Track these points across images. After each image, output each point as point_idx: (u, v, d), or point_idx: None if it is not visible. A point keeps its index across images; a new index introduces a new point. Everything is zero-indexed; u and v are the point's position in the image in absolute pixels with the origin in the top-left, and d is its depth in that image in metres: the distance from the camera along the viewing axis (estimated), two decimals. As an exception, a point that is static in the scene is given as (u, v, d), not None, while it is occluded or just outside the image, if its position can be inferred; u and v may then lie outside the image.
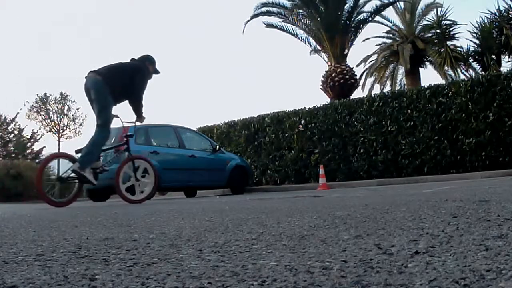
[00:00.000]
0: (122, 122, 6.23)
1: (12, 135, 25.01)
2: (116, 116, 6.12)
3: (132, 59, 6.22)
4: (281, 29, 17.71)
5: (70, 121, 19.40)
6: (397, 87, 22.46)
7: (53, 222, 3.02)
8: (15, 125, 25.02)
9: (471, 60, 17.39)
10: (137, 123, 6.31)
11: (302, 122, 13.16)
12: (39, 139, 24.76)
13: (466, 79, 11.57)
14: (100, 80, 5.74)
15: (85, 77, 5.91)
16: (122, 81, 5.86)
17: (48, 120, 19.15)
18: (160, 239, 1.90)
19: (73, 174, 5.68)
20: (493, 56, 16.21)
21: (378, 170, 11.78)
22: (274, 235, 1.84)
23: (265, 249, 1.52)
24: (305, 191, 8.71)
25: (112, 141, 9.65)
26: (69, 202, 5.86)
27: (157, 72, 6.33)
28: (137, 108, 6.08)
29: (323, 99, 25.20)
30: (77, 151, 6.24)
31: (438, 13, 18.12)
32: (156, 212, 3.69)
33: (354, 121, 12.30)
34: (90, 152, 5.75)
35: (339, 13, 16.57)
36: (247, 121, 14.43)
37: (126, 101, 6.09)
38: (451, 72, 19.16)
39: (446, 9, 23.83)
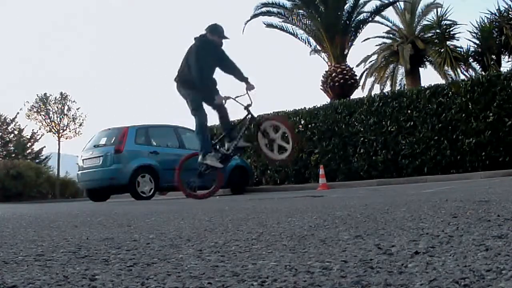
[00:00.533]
0: (235, 99, 6.13)
1: (12, 135, 25.01)
2: (228, 98, 6.08)
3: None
4: (281, 29, 17.70)
5: (70, 121, 19.35)
6: (397, 87, 22.45)
7: (53, 222, 3.02)
8: (15, 125, 25.03)
9: (471, 60, 17.38)
10: (250, 91, 6.14)
11: (302, 123, 13.16)
12: (39, 139, 24.77)
13: (466, 79, 11.56)
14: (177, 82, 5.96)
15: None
16: (187, 65, 5.90)
17: (48, 120, 19.11)
18: (160, 239, 1.90)
19: (201, 166, 6.01)
20: (493, 56, 16.20)
21: (378, 170, 11.78)
22: (274, 235, 1.84)
23: (265, 249, 1.52)
24: (305, 191, 8.71)
25: (112, 141, 9.66)
26: (211, 193, 6.36)
27: (222, 37, 6.09)
28: (235, 72, 6.06)
29: (323, 99, 25.18)
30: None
31: (438, 13, 18.08)
32: (156, 212, 3.69)
33: (354, 121, 12.30)
34: (199, 141, 6.04)
35: (339, 13, 16.56)
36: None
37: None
38: (451, 72, 19.16)
39: (446, 9, 23.80)
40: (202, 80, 5.83)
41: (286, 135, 6.21)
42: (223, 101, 6.01)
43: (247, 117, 6.30)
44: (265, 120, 6.46)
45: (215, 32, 6.02)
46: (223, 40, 6.05)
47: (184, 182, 6.32)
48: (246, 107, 6.19)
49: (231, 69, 6.12)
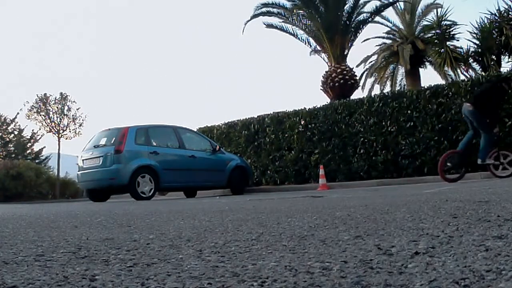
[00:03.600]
0: None
1: (12, 135, 25.04)
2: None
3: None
4: (281, 29, 17.70)
5: (70, 121, 19.35)
6: (397, 88, 22.45)
7: (53, 222, 3.03)
8: (15, 125, 25.07)
9: (471, 61, 17.37)
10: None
11: (302, 123, 13.17)
12: (39, 139, 24.80)
13: (466, 80, 11.56)
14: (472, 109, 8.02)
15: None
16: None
17: (48, 121, 19.11)
18: (160, 239, 1.90)
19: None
20: (493, 57, 16.20)
21: (378, 171, 11.78)
22: (274, 236, 1.84)
23: (265, 250, 1.52)
24: (305, 192, 8.71)
25: (112, 141, 9.66)
26: (458, 179, 8.09)
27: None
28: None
29: (323, 100, 25.19)
30: None
31: (438, 14, 18.09)
32: (156, 212, 3.69)
33: (354, 121, 12.29)
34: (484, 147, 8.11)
35: (339, 14, 16.56)
36: (247, 122, 14.42)
37: None
38: (451, 73, 19.17)
39: (446, 10, 23.79)
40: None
41: None
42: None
43: None
44: None
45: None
46: None
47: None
48: None
49: None
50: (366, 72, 23.15)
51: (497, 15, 16.28)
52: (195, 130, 13.00)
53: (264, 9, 17.17)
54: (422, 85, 16.80)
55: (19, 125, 25.09)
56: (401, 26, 22.50)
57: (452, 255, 1.24)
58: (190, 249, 1.61)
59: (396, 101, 11.76)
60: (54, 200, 15.76)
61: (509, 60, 16.47)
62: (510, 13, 16.04)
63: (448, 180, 8.27)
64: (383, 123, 11.81)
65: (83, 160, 10.00)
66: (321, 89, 17.39)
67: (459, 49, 17.54)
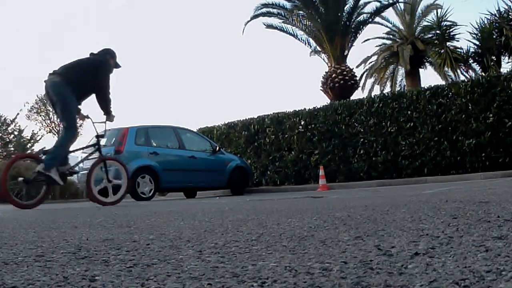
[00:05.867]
0: (93, 122, 6.07)
1: (12, 135, 25.04)
2: (87, 117, 6.02)
3: (91, 54, 6.00)
4: (281, 30, 17.71)
5: (70, 122, 19.36)
6: (397, 88, 22.47)
7: (53, 223, 3.03)
8: (15, 126, 25.07)
9: (471, 61, 17.40)
10: (108, 122, 6.07)
11: (302, 123, 13.17)
12: (39, 139, 24.80)
13: (466, 80, 11.57)
14: (59, 81, 5.56)
15: (45, 80, 5.71)
16: (84, 78, 5.64)
17: (48, 121, 19.15)
18: (160, 240, 1.90)
19: (38, 175, 5.51)
20: (493, 57, 16.21)
21: (378, 171, 11.78)
22: (274, 236, 1.84)
23: (265, 250, 1.52)
24: (305, 192, 8.71)
25: (112, 142, 9.66)
26: (37, 203, 5.76)
27: (117, 66, 6.10)
28: (105, 104, 5.85)
29: (323, 100, 25.21)
30: (44, 152, 6.00)
31: (438, 14, 18.13)
32: (156, 213, 3.69)
33: (354, 122, 12.30)
34: (56, 153, 5.58)
35: (339, 14, 16.57)
36: (247, 122, 14.43)
37: (94, 99, 5.86)
38: (451, 73, 19.18)
39: (446, 10, 23.89)
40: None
41: (121, 181, 6.30)
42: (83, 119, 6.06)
43: (94, 147, 6.26)
44: (110, 159, 6.49)
45: (114, 58, 6.07)
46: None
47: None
48: (98, 136, 6.18)
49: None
50: (366, 73, 23.18)
51: (497, 15, 16.31)
52: (195, 130, 13.00)
53: (264, 10, 17.20)
54: (422, 85, 16.81)
55: (19, 125, 25.11)
56: (401, 27, 22.52)
57: (452, 256, 1.24)
58: (190, 249, 1.61)
59: (396, 101, 11.77)
60: (54, 201, 15.74)
61: (509, 60, 16.49)
62: (510, 13, 16.06)
63: None
64: (383, 123, 11.81)
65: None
66: (321, 90, 17.40)
67: (459, 50, 17.57)
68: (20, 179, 5.81)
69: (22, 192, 5.90)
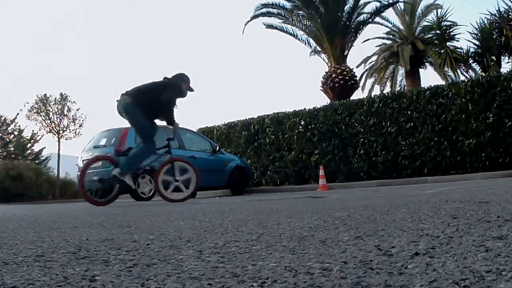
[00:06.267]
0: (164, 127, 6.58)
1: (12, 135, 25.04)
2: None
3: (165, 78, 6.33)
4: (281, 30, 17.71)
5: (70, 122, 19.36)
6: (397, 88, 22.46)
7: (53, 223, 3.03)
8: (15, 126, 25.07)
9: (471, 61, 17.39)
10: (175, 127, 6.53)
11: (302, 123, 13.17)
12: (39, 140, 24.79)
13: (466, 80, 11.57)
14: (130, 102, 5.94)
15: (117, 100, 6.09)
16: (153, 100, 5.97)
17: (48, 121, 19.11)
18: (160, 240, 1.90)
19: (114, 179, 6.09)
20: (493, 57, 16.21)
21: (378, 171, 11.78)
22: (274, 236, 1.84)
23: (265, 250, 1.52)
24: (305, 192, 8.71)
25: (112, 142, 9.66)
26: (110, 201, 6.29)
27: (191, 90, 6.44)
28: (170, 121, 6.29)
29: (323, 100, 25.21)
30: (118, 154, 6.53)
31: (438, 14, 18.11)
32: (156, 213, 3.69)
33: (354, 122, 12.30)
34: (133, 161, 6.09)
35: (339, 14, 16.56)
36: (247, 122, 14.43)
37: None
38: (451, 73, 19.17)
39: (446, 10, 23.89)
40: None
41: (190, 181, 6.52)
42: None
43: (165, 148, 6.63)
44: (178, 160, 6.76)
45: (186, 83, 6.38)
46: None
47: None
48: (168, 139, 6.65)
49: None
50: (366, 73, 23.17)
51: (497, 15, 16.30)
52: (195, 130, 13.00)
53: (264, 10, 17.19)
54: (422, 85, 16.81)
55: (19, 125, 25.12)
56: (401, 27, 22.51)
57: (452, 256, 1.24)
58: (190, 249, 1.61)
59: (396, 101, 11.77)
60: (54, 201, 15.75)
61: (509, 60, 16.49)
62: (510, 13, 16.06)
63: None
64: (383, 123, 11.81)
65: (83, 160, 9.99)
66: (321, 90, 17.40)
67: (459, 50, 17.56)
68: (96, 178, 6.42)
69: (96, 190, 6.49)
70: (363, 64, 23.15)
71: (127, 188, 6.47)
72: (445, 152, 10.93)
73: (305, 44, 17.88)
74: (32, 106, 19.15)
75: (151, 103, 5.95)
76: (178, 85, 6.22)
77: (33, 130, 25.26)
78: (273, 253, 1.46)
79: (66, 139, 19.26)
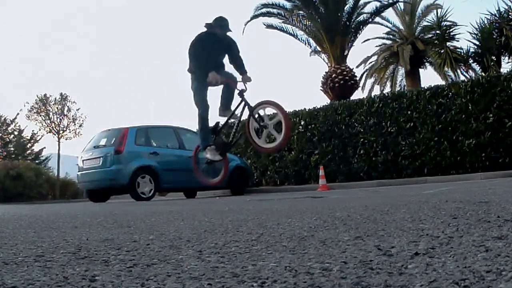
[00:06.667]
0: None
1: (12, 136, 25.05)
2: (222, 79, 5.96)
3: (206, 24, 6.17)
4: (281, 30, 17.70)
5: (70, 122, 19.38)
6: (397, 88, 22.45)
7: (53, 223, 3.03)
8: (15, 126, 25.08)
9: (471, 61, 17.37)
10: (247, 83, 6.02)
11: (302, 123, 13.17)
12: (39, 140, 24.81)
13: (466, 80, 11.57)
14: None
15: None
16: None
17: (48, 121, 19.13)
18: (160, 240, 1.90)
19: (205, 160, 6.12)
20: (493, 57, 16.20)
21: (378, 171, 11.78)
22: (274, 236, 1.84)
23: (265, 250, 1.52)
24: (305, 192, 8.71)
25: (112, 142, 9.66)
26: (220, 181, 6.53)
27: (225, 30, 6.16)
28: (235, 63, 6.09)
29: (323, 100, 25.20)
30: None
31: (438, 14, 18.09)
32: (156, 213, 3.69)
33: (354, 122, 12.30)
34: (199, 133, 6.11)
35: (339, 14, 16.56)
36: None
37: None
38: (451, 73, 19.16)
39: (446, 10, 23.84)
40: (200, 67, 5.87)
41: (280, 124, 5.67)
42: (216, 80, 5.83)
43: (241, 103, 6.13)
44: (260, 104, 5.99)
45: (217, 25, 6.14)
46: (228, 33, 6.17)
47: (199, 168, 6.68)
48: (240, 92, 6.04)
49: (233, 59, 6.21)
50: (366, 73, 23.15)
51: (497, 15, 16.29)
52: (195, 130, 12.99)
53: (264, 10, 17.18)
54: (422, 85, 16.80)
55: (19, 125, 25.14)
56: (401, 27, 22.51)
57: (452, 256, 1.24)
58: (190, 249, 1.61)
59: (396, 101, 11.77)
60: (54, 201, 15.76)
61: (509, 60, 16.48)
62: (510, 13, 16.05)
63: None
64: (383, 123, 11.81)
65: (83, 160, 10.00)
66: (321, 90, 17.40)
67: (459, 50, 17.54)
68: (207, 160, 6.28)
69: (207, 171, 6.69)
70: (363, 64, 23.15)
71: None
72: (445, 152, 10.93)
73: (305, 44, 17.88)
74: (32, 106, 19.17)
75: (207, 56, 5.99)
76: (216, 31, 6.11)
77: (33, 130, 25.29)
78: (273, 253, 1.46)
79: (66, 139, 19.29)
